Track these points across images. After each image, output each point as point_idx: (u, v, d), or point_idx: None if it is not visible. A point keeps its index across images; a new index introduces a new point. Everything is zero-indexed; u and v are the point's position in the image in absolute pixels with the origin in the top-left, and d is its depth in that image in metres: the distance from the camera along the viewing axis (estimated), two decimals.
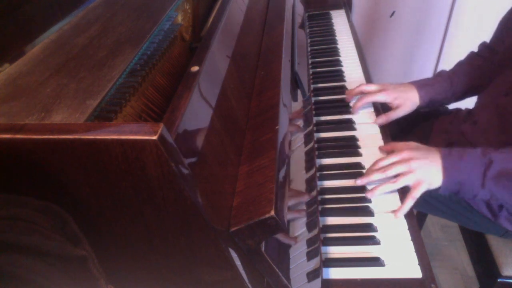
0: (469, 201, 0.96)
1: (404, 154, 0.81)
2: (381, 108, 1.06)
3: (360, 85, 1.05)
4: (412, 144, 0.85)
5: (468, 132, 1.00)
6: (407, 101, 1.01)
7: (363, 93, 1.04)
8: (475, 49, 1.14)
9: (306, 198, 0.77)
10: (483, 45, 1.11)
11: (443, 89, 1.05)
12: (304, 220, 0.74)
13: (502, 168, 0.75)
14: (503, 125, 0.91)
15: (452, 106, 1.20)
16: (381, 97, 1.02)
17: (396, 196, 0.81)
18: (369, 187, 0.83)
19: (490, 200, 0.80)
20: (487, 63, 1.06)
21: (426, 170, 0.79)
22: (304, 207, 0.76)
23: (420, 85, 1.04)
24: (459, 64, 1.11)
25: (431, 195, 1.02)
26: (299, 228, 0.73)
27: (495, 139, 0.92)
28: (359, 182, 0.82)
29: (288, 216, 0.69)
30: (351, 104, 1.06)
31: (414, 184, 0.79)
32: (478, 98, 1.08)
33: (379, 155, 0.90)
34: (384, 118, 1.00)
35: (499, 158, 0.76)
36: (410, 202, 0.78)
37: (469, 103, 1.13)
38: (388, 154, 0.85)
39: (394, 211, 0.78)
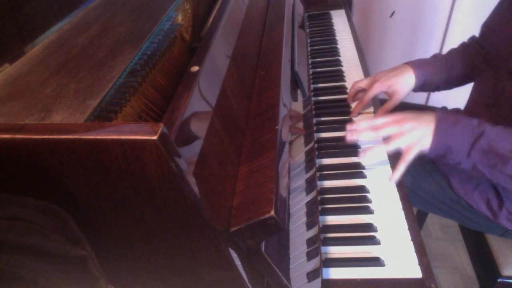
0: (469, 200, 0.96)
1: (397, 116, 0.81)
2: (379, 104, 1.06)
3: (352, 85, 1.03)
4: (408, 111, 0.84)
5: None
6: (402, 86, 0.99)
7: (358, 90, 1.03)
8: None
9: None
10: (473, 39, 1.11)
11: (439, 71, 1.03)
12: (304, 220, 0.74)
13: (490, 142, 0.75)
14: None
15: (451, 106, 1.20)
16: (376, 91, 0.99)
17: (397, 196, 0.81)
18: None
19: (471, 170, 0.80)
20: (477, 55, 1.06)
21: (418, 132, 0.78)
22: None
23: (416, 64, 1.01)
24: (452, 50, 1.11)
25: (431, 195, 1.02)
26: (299, 228, 0.73)
27: None
28: (349, 133, 0.82)
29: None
30: (352, 105, 1.06)
31: (406, 147, 0.78)
32: (468, 103, 1.07)
33: (379, 154, 0.90)
34: (381, 112, 0.98)
35: (491, 132, 0.76)
36: (403, 166, 0.78)
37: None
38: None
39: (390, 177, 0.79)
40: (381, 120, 0.81)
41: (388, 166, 0.88)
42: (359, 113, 1.03)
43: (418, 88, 1.03)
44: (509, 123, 0.80)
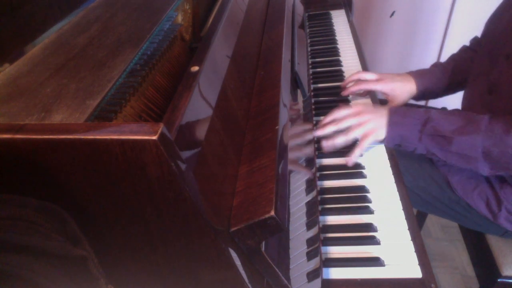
0: (468, 201, 0.96)
1: (355, 109, 0.88)
2: (379, 102, 1.06)
3: (357, 72, 1.05)
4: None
5: None
6: (404, 93, 1.03)
7: (360, 80, 1.04)
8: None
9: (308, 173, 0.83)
10: (475, 39, 1.12)
11: (438, 80, 1.07)
12: (304, 220, 0.74)
13: (435, 126, 0.82)
14: None
15: (450, 107, 1.20)
16: (378, 87, 1.02)
17: (397, 196, 0.81)
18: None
19: (427, 154, 0.86)
20: (476, 57, 1.07)
21: (374, 123, 0.86)
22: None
23: (417, 74, 1.05)
24: (453, 56, 1.13)
25: (431, 195, 1.02)
26: (299, 228, 0.73)
27: None
28: (316, 133, 0.90)
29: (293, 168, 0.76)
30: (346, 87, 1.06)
31: (362, 135, 0.86)
32: (464, 97, 1.08)
33: (379, 155, 0.91)
34: None
35: (436, 116, 0.83)
36: (358, 151, 0.86)
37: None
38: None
39: (349, 157, 0.87)
40: (342, 113, 0.88)
41: (388, 167, 0.88)
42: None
43: (418, 97, 1.07)
44: (506, 107, 0.85)
